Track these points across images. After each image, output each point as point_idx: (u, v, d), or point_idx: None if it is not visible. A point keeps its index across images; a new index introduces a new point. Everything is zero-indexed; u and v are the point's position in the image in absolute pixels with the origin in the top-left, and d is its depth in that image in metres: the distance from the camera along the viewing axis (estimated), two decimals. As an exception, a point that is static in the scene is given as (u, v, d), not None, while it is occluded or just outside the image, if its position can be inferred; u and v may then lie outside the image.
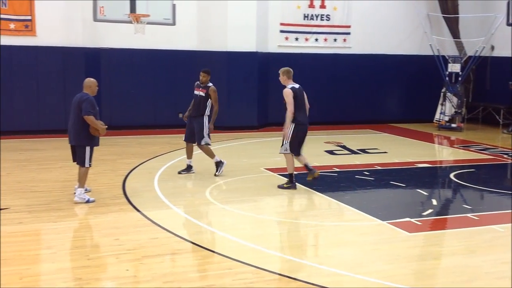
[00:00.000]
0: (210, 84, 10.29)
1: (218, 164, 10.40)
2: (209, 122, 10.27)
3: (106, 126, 8.51)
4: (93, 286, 5.63)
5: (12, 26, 14.09)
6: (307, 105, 9.56)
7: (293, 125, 9.24)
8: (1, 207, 8.14)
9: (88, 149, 8.39)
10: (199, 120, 10.24)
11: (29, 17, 14.20)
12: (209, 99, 10.25)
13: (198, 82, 10.42)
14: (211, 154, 10.39)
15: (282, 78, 9.40)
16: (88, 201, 8.44)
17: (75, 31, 14.61)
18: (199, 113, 10.25)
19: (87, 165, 8.43)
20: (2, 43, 13.98)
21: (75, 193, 8.59)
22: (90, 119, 8.26)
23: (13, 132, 14.12)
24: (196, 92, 10.36)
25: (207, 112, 10.28)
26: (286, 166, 9.55)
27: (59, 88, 14.61)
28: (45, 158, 11.86)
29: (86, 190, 8.68)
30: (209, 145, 10.37)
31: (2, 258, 6.23)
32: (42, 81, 14.40)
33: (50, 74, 14.43)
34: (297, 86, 9.36)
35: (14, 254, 6.37)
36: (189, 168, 10.51)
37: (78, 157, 8.47)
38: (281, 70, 9.44)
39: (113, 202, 8.63)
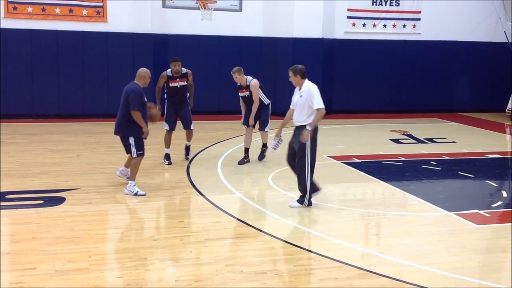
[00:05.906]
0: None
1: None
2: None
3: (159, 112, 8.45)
4: (157, 266, 5.78)
5: (84, 12, 14.53)
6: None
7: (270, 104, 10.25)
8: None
9: (132, 139, 8.09)
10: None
11: (100, 4, 14.59)
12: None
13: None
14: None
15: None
16: (136, 194, 8.09)
17: (145, 17, 14.92)
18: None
19: (134, 155, 8.16)
20: (75, 29, 14.47)
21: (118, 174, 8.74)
22: (137, 115, 7.98)
23: (84, 116, 14.63)
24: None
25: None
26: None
27: (128, 74, 14.92)
28: (113, 141, 12.09)
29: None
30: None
31: (73, 236, 6.49)
32: (111, 66, 14.80)
33: (120, 59, 14.81)
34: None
35: (84, 233, 6.61)
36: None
37: (126, 147, 8.29)
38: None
39: (178, 185, 8.81)
